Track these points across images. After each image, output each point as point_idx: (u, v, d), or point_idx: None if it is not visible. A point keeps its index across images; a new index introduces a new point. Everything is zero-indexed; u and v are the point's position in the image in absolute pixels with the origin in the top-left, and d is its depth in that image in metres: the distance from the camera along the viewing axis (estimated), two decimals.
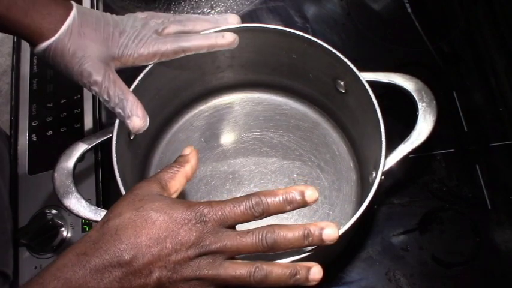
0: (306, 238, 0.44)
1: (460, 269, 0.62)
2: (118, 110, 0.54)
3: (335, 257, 0.61)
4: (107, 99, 0.54)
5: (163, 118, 0.68)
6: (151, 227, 0.42)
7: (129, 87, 0.56)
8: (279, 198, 0.44)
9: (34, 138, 0.69)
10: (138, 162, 0.64)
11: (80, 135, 0.68)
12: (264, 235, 0.43)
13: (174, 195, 0.48)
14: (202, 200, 0.62)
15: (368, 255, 0.63)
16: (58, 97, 0.71)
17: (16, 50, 0.75)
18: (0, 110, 1.36)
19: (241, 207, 0.44)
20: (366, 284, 0.61)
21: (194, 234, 0.43)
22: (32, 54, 0.75)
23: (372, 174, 0.55)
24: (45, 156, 0.67)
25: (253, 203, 0.44)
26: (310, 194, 0.45)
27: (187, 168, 0.50)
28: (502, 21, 0.77)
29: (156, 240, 0.42)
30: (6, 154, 0.69)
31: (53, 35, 0.52)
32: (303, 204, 0.45)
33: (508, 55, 0.75)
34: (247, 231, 0.44)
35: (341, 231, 0.47)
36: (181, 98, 0.68)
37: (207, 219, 0.43)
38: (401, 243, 0.63)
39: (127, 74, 0.57)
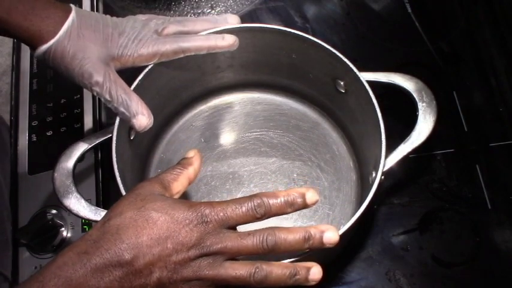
0: (306, 241, 0.44)
1: (460, 269, 0.62)
2: (121, 109, 0.54)
3: (335, 257, 0.61)
4: (109, 99, 0.54)
5: (163, 118, 0.68)
6: (152, 227, 0.42)
7: (129, 87, 0.56)
8: (280, 200, 0.44)
9: (34, 138, 0.69)
10: (138, 162, 0.64)
11: (80, 135, 0.68)
12: (265, 237, 0.43)
13: (176, 197, 0.48)
14: (203, 200, 0.62)
15: (368, 255, 0.63)
16: (58, 97, 0.71)
17: (16, 50, 0.75)
18: (0, 110, 1.35)
19: (243, 208, 0.44)
20: (366, 284, 0.61)
21: (195, 234, 0.42)
22: (32, 54, 0.75)
23: (372, 174, 0.55)
24: (45, 156, 0.67)
25: (255, 204, 0.44)
26: (311, 196, 0.45)
27: (190, 171, 0.50)
28: (502, 21, 0.77)
29: (156, 240, 0.42)
30: (9, 145, 0.68)
31: (53, 38, 0.53)
32: (304, 206, 0.45)
33: (508, 55, 0.75)
34: (248, 233, 0.44)
35: (341, 231, 0.47)
36: (181, 98, 0.68)
37: (209, 219, 0.43)
38: (401, 243, 0.63)
39: (127, 74, 0.56)
